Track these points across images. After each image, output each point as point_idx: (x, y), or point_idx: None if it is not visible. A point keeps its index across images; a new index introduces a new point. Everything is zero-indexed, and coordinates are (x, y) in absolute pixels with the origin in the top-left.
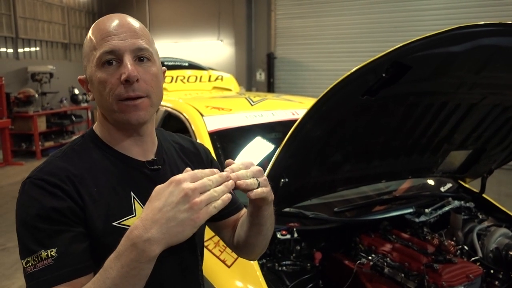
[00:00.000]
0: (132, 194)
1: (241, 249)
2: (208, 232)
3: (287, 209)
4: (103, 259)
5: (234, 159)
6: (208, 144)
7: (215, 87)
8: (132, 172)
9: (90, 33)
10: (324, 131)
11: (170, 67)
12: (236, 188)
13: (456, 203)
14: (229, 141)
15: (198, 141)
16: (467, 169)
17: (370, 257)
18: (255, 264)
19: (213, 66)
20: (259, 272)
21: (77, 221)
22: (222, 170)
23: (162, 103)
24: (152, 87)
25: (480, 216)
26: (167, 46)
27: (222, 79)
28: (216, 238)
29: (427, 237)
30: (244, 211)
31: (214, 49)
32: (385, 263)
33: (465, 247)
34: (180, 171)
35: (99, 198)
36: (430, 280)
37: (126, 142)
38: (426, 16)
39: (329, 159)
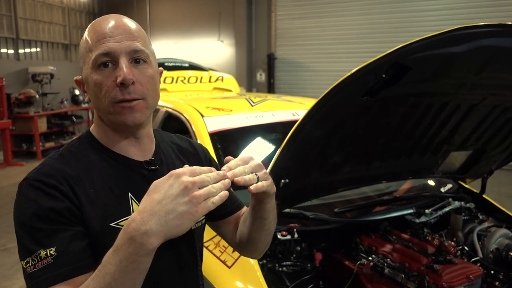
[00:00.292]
0: (129, 194)
1: (244, 247)
2: (208, 233)
3: (287, 210)
4: (101, 259)
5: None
6: (209, 145)
7: (215, 88)
8: (129, 172)
9: (86, 34)
10: (325, 132)
11: (171, 68)
12: (235, 184)
13: (457, 203)
14: (230, 141)
15: (199, 141)
16: (467, 169)
17: (370, 258)
18: (255, 265)
19: (214, 67)
20: (259, 273)
21: (75, 221)
22: (221, 168)
23: (162, 103)
24: (148, 89)
25: (481, 217)
26: (167, 47)
27: (222, 80)
28: (217, 239)
29: (427, 238)
30: (244, 209)
31: (215, 49)
32: (386, 264)
33: (466, 247)
34: None
35: (96, 199)
36: (430, 280)
37: (123, 143)
38: (427, 17)
39: (330, 159)
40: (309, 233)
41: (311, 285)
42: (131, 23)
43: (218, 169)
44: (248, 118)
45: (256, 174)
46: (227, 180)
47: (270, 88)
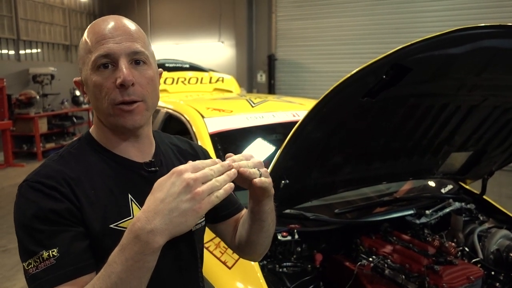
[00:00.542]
0: (129, 196)
1: (243, 249)
2: (209, 234)
3: (287, 211)
4: (101, 260)
5: None
6: (209, 146)
7: (216, 89)
8: (129, 174)
9: (85, 35)
10: (325, 133)
11: (171, 69)
12: (239, 175)
13: (457, 204)
14: (230, 142)
15: (199, 142)
16: (467, 170)
17: (370, 259)
18: (255, 266)
19: (214, 68)
20: (259, 274)
21: (76, 222)
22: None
23: (163, 104)
24: (147, 91)
25: (481, 218)
26: (168, 48)
27: (223, 80)
28: (217, 240)
29: (427, 239)
30: (244, 211)
31: (215, 50)
32: (386, 265)
33: (466, 248)
34: None
35: (96, 201)
36: (430, 281)
37: (122, 145)
38: (427, 17)
39: (330, 160)
40: (309, 234)
41: (311, 286)
42: (130, 24)
43: None
44: (248, 119)
45: (258, 170)
46: (232, 170)
47: (271, 89)
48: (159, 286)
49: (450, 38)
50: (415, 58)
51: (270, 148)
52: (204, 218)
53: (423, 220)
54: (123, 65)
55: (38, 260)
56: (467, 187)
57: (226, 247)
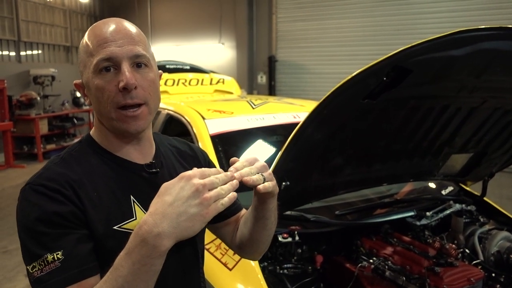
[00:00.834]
0: (131, 197)
1: (245, 248)
2: (209, 235)
3: (288, 212)
4: (105, 263)
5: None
6: (210, 147)
7: (216, 90)
8: (130, 176)
9: (86, 38)
10: (326, 135)
11: (172, 70)
12: (243, 185)
13: (458, 206)
14: (231, 144)
15: (200, 144)
16: (468, 172)
17: (371, 260)
18: (256, 267)
19: (215, 69)
20: (260, 275)
21: (80, 224)
22: (225, 170)
23: (164, 106)
24: (149, 93)
25: (482, 219)
26: (168, 49)
27: (223, 82)
28: (218, 241)
29: (428, 240)
30: (244, 211)
31: (216, 52)
32: (386, 266)
33: (467, 250)
34: (178, 174)
35: (99, 203)
36: (431, 283)
37: (124, 147)
38: (428, 19)
39: (331, 162)
40: (310, 235)
41: None
42: (131, 27)
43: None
44: (249, 121)
45: (262, 175)
46: (235, 181)
47: (271, 90)
48: (162, 286)
49: (451, 40)
50: (416, 60)
51: (271, 150)
52: None
53: (424, 221)
54: (126, 68)
55: (42, 263)
56: (467, 188)
57: (227, 248)
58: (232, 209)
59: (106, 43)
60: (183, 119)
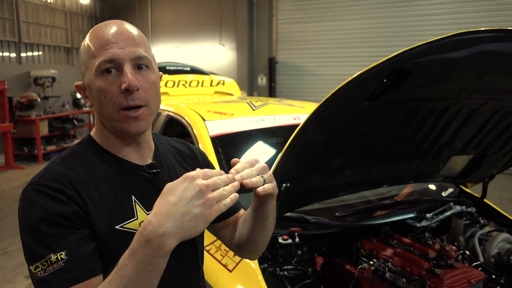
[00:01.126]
0: (133, 197)
1: (243, 248)
2: (209, 237)
3: (288, 214)
4: (107, 262)
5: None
6: (210, 149)
7: (216, 92)
8: (131, 176)
9: (87, 40)
10: (326, 136)
11: (172, 72)
12: (243, 187)
13: (458, 208)
14: (231, 145)
15: (200, 145)
16: (468, 174)
17: (371, 262)
18: (256, 269)
19: (215, 71)
20: (260, 277)
21: (83, 224)
22: (226, 171)
23: (164, 107)
24: (151, 95)
25: (482, 221)
26: (169, 51)
27: (223, 83)
28: (218, 243)
29: (428, 242)
30: (242, 211)
31: (216, 53)
32: (387, 268)
33: (467, 252)
34: (178, 174)
35: (101, 203)
36: (431, 285)
37: (124, 148)
38: (428, 21)
39: (331, 164)
40: (310, 237)
41: None
42: (133, 29)
43: None
44: (249, 122)
45: (262, 176)
46: (236, 182)
47: (271, 92)
48: (163, 286)
49: (451, 42)
50: (416, 62)
51: (271, 151)
52: None
53: (424, 223)
54: (128, 70)
55: (46, 263)
56: (467, 190)
57: (227, 250)
58: (230, 210)
59: (108, 45)
60: (183, 120)
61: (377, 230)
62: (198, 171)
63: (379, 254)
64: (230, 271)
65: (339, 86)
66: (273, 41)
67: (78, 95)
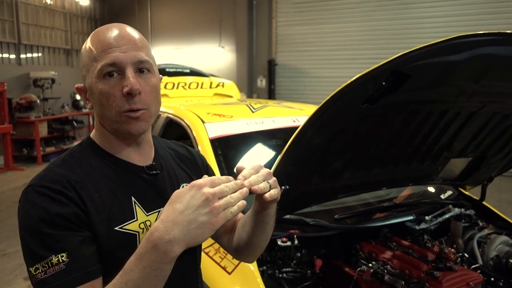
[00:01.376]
0: (132, 198)
1: (242, 251)
2: (208, 239)
3: (287, 216)
4: (107, 263)
5: (235, 166)
6: (209, 151)
7: (216, 94)
8: (131, 177)
9: (89, 43)
10: (325, 139)
11: (172, 74)
12: (251, 193)
13: (457, 210)
14: (230, 147)
15: (200, 147)
16: (467, 176)
17: (370, 264)
18: (255, 271)
19: (214, 73)
20: (259, 279)
21: (83, 226)
22: (224, 174)
23: (163, 109)
24: (152, 98)
25: (481, 224)
26: (168, 53)
27: (223, 85)
28: (217, 245)
29: (427, 245)
30: (240, 214)
31: (216, 55)
32: (386, 271)
33: (466, 254)
34: (178, 177)
35: (100, 204)
36: (430, 287)
37: (124, 149)
38: (426, 24)
39: (330, 166)
40: (309, 239)
41: None
42: (134, 33)
43: (214, 175)
44: (248, 124)
45: (268, 182)
46: (245, 189)
47: (271, 94)
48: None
49: (449, 45)
50: (415, 65)
51: (270, 154)
52: None
53: (423, 226)
54: (130, 74)
55: (46, 265)
56: (466, 193)
57: (226, 252)
58: None
59: (110, 49)
60: (182, 122)
61: (376, 233)
62: (206, 178)
63: (378, 257)
64: (229, 273)
65: (338, 89)
66: (273, 43)
67: (78, 97)
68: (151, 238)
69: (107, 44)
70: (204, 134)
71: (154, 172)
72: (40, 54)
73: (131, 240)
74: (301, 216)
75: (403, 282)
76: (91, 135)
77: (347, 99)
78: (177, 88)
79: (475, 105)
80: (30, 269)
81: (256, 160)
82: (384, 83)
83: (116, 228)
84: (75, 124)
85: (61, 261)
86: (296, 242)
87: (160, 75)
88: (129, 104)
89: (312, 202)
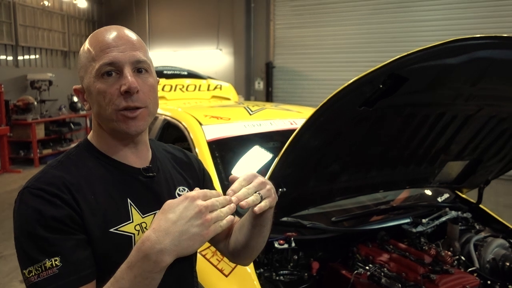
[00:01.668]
0: (128, 200)
1: (238, 255)
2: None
3: (285, 219)
4: (101, 265)
5: (232, 169)
6: (207, 153)
7: (214, 96)
8: (128, 179)
9: (87, 45)
10: (322, 141)
11: (169, 76)
12: (240, 208)
13: (453, 213)
14: (228, 150)
15: (197, 150)
16: (464, 179)
17: (367, 267)
18: (252, 274)
19: (212, 75)
20: (256, 282)
21: (77, 228)
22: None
23: (161, 111)
24: (150, 98)
25: (477, 227)
26: (166, 55)
27: (221, 88)
28: (214, 248)
29: (424, 247)
30: (236, 218)
31: (213, 58)
32: (382, 273)
33: (462, 257)
34: (174, 180)
35: (96, 206)
36: None
37: (122, 150)
38: (424, 27)
39: (327, 169)
40: (306, 242)
41: None
42: (132, 34)
43: (210, 180)
44: (246, 127)
45: (259, 193)
46: (232, 204)
47: (268, 96)
48: None
49: (446, 49)
50: (412, 68)
51: (268, 156)
52: None
53: (420, 228)
54: (128, 73)
55: (40, 268)
56: (463, 196)
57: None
58: None
59: (108, 49)
60: (180, 124)
61: (373, 235)
62: (198, 191)
63: (375, 259)
64: (226, 276)
65: (335, 92)
66: (271, 45)
67: (75, 99)
68: (142, 247)
69: (105, 44)
70: (201, 137)
71: (151, 174)
72: (37, 56)
73: (126, 242)
74: (298, 219)
75: (399, 285)
76: (89, 137)
77: (344, 102)
78: (175, 90)
79: (471, 108)
80: (24, 271)
81: (253, 162)
82: (381, 86)
83: (112, 230)
84: (72, 126)
85: (54, 265)
86: (293, 244)
87: (158, 78)
88: (126, 102)
89: (309, 204)
